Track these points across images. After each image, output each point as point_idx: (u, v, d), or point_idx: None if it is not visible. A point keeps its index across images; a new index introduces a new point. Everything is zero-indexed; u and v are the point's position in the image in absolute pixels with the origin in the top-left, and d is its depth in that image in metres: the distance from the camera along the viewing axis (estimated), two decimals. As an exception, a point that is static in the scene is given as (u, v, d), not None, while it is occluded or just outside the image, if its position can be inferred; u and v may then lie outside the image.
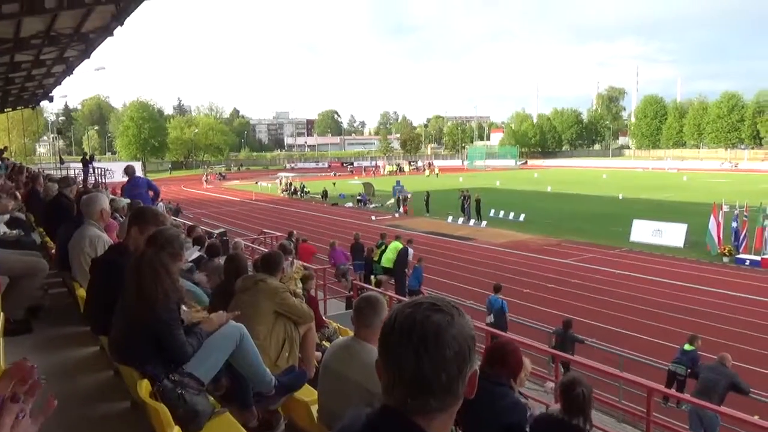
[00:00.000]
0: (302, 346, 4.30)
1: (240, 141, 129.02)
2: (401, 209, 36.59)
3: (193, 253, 7.34)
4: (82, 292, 4.42)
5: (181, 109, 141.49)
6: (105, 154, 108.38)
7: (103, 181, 22.78)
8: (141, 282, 3.03)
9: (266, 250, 9.02)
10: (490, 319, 11.79)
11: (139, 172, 11.93)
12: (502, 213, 32.88)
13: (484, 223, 30.77)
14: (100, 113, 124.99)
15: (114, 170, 28.75)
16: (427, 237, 26.87)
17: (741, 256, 20.77)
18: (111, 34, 10.56)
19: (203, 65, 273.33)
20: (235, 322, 3.40)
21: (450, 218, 32.25)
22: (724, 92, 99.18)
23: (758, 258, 20.19)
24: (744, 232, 21.31)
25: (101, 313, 3.49)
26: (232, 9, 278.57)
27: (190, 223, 12.31)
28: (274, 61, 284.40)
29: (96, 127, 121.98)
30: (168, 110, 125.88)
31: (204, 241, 8.22)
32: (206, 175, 73.82)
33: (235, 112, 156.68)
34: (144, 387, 2.88)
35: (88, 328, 4.31)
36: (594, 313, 14.81)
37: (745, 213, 21.67)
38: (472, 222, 31.38)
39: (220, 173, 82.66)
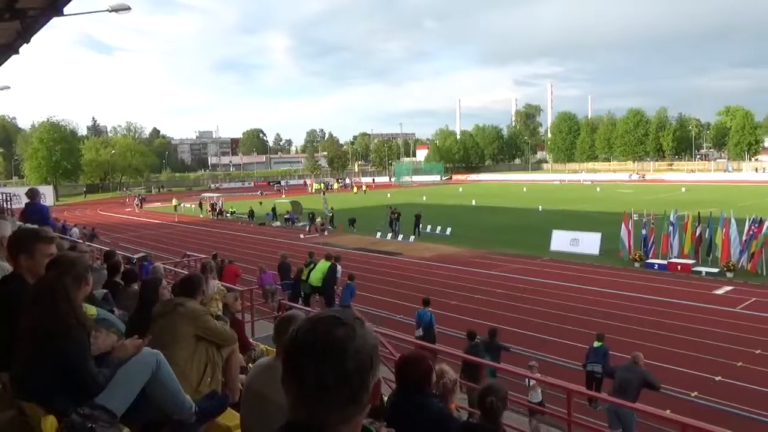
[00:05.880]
0: (225, 370, 4.18)
1: (161, 162, 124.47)
2: (318, 226, 35.67)
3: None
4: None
5: (96, 129, 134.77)
6: (11, 178, 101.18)
7: (9, 207, 21.28)
8: (39, 312, 2.83)
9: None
10: (420, 332, 11.94)
11: (49, 196, 11.07)
12: (429, 227, 33.46)
13: (412, 237, 31.19)
14: (5, 135, 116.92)
15: (21, 195, 26.90)
16: (356, 253, 26.91)
17: (650, 261, 22.21)
18: (16, 51, 10.00)
19: (119, 83, 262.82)
20: (151, 349, 3.26)
21: (378, 234, 32.50)
22: (630, 109, 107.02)
23: (665, 262, 21.68)
24: (652, 238, 22.83)
25: (1, 347, 3.25)
26: (148, 26, 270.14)
27: (107, 248, 11.70)
28: (195, 81, 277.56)
29: (1, 150, 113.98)
30: (82, 130, 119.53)
31: (120, 267, 7.84)
32: (137, 199, 68.41)
33: (155, 131, 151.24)
34: (50, 423, 2.70)
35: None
36: (518, 321, 15.32)
37: (652, 221, 23.25)
38: (400, 237, 31.72)
39: (139, 195, 79.13)
